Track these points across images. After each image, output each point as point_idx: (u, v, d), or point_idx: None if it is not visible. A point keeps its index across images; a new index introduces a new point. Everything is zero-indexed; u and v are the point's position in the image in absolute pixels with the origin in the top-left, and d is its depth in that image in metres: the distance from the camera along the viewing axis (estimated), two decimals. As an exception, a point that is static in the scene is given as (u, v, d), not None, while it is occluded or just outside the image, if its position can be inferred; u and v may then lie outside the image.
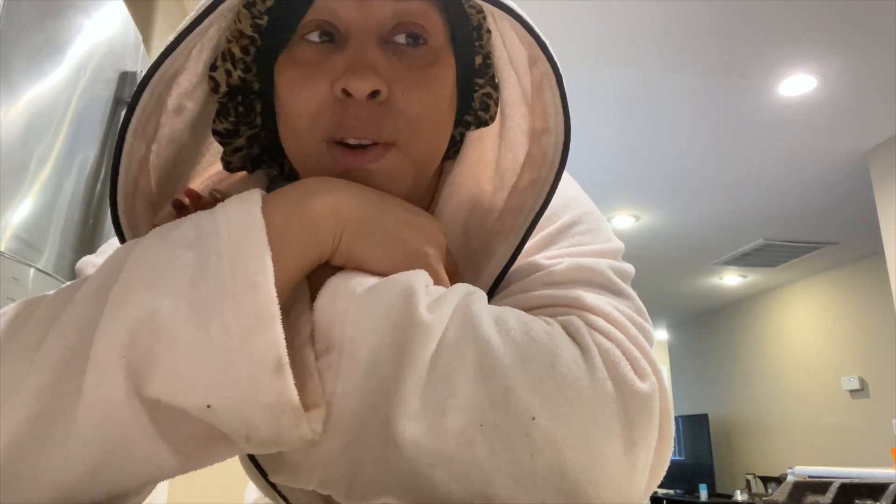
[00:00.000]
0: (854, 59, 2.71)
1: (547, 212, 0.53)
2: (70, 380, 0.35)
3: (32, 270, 1.17)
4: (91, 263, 0.56)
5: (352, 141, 0.46)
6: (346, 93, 0.45)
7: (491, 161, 0.55)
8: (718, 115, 3.16)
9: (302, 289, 0.42)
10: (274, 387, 0.34)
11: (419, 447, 0.36)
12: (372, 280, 0.41)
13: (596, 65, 2.77)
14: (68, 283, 0.54)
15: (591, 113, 3.15)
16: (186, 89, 0.50)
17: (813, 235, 4.71)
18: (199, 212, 0.40)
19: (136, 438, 0.35)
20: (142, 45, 1.68)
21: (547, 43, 0.46)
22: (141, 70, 1.58)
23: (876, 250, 4.80)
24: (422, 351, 0.37)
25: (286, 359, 0.34)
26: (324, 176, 0.45)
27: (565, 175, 0.59)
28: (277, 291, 0.36)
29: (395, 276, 0.41)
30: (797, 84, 2.88)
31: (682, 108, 3.11)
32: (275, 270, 0.36)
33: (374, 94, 0.45)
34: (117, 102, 1.52)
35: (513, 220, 0.52)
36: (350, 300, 0.39)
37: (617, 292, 0.48)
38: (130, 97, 0.44)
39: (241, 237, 0.37)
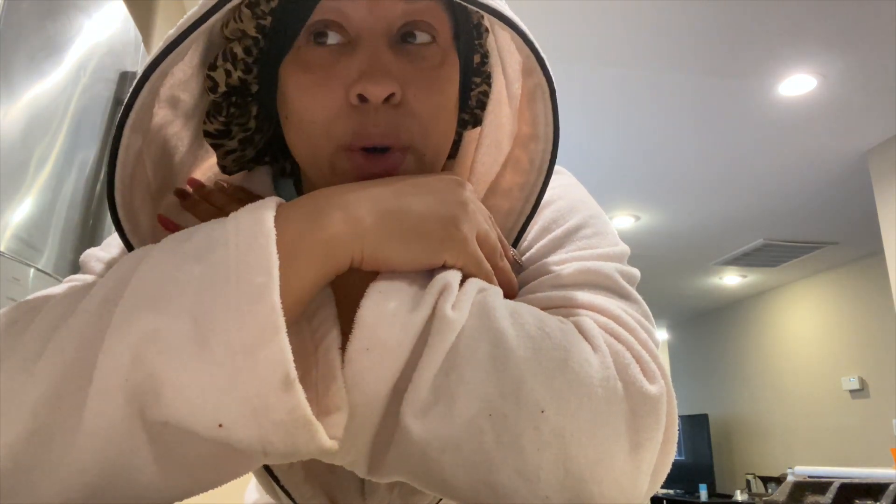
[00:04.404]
0: (854, 59, 2.71)
1: (553, 214, 0.54)
2: (68, 398, 0.34)
3: (32, 270, 1.17)
4: (95, 256, 0.56)
5: (366, 144, 0.45)
6: (362, 98, 0.44)
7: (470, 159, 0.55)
8: (718, 115, 3.15)
9: (325, 294, 0.42)
10: (284, 403, 0.33)
11: (428, 432, 0.37)
12: (417, 282, 0.41)
13: (595, 65, 2.77)
14: (73, 278, 0.54)
15: (591, 113, 3.15)
16: (181, 80, 0.49)
17: (813, 235, 4.70)
18: (212, 220, 0.39)
19: (140, 464, 0.34)
20: (142, 45, 1.68)
21: (544, 57, 0.46)
22: (141, 70, 1.58)
23: (876, 250, 4.80)
24: (441, 345, 0.38)
25: (294, 373, 0.33)
26: (339, 181, 0.45)
27: (571, 178, 0.60)
28: (290, 304, 0.36)
29: (439, 276, 0.41)
30: (797, 84, 2.88)
31: (682, 108, 3.11)
32: (285, 284, 0.35)
33: (389, 97, 0.44)
34: (117, 102, 1.52)
35: (502, 221, 0.52)
36: (400, 303, 0.39)
37: (624, 296, 0.48)
38: (129, 92, 0.44)
39: (248, 247, 0.35)
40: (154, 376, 0.33)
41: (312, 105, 0.46)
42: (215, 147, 0.54)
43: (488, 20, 0.51)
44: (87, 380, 0.34)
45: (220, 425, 0.33)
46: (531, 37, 0.45)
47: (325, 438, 0.34)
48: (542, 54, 0.46)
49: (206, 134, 0.53)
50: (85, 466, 0.34)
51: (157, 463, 0.35)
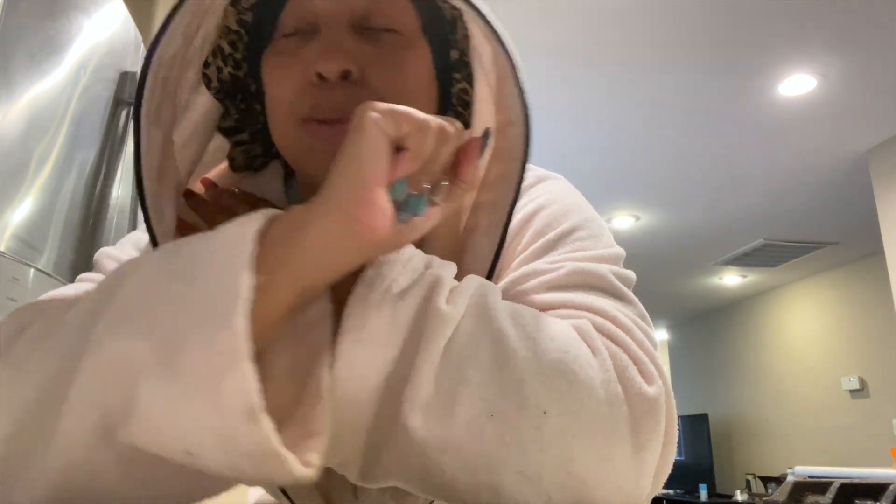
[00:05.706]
0: (854, 59, 2.71)
1: (546, 219, 0.54)
2: (46, 409, 0.35)
3: (32, 270, 1.17)
4: (108, 255, 0.57)
5: (321, 116, 0.47)
6: (320, 76, 0.47)
7: None
8: (718, 115, 3.15)
9: (325, 307, 0.41)
10: (251, 435, 0.31)
11: (429, 432, 0.37)
12: (405, 277, 0.40)
13: (595, 64, 2.77)
14: (84, 277, 0.54)
15: (591, 113, 3.15)
16: (194, 84, 0.52)
17: (813, 235, 4.70)
18: (203, 233, 0.38)
19: (106, 481, 0.35)
20: (142, 45, 1.68)
21: (502, 33, 0.46)
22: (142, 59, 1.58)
23: (876, 250, 4.80)
24: (437, 339, 0.38)
25: (259, 404, 0.31)
26: (306, 159, 0.48)
27: (566, 184, 0.60)
28: (273, 320, 0.35)
29: (429, 270, 0.41)
30: (797, 84, 2.88)
31: (683, 108, 3.11)
32: (263, 302, 0.33)
33: (346, 75, 0.47)
34: (117, 102, 1.51)
35: (489, 216, 0.51)
36: (384, 296, 0.39)
37: (619, 297, 0.48)
38: (136, 85, 0.46)
39: (224, 267, 0.34)
40: (126, 399, 0.33)
41: (279, 86, 0.50)
42: (228, 137, 0.57)
43: (466, 14, 0.51)
44: (64, 395, 0.35)
45: (189, 452, 0.33)
46: (483, 11, 0.44)
47: (297, 468, 0.33)
48: (500, 30, 0.45)
49: (221, 129, 0.56)
50: (49, 478, 0.35)
51: (124, 482, 0.35)
